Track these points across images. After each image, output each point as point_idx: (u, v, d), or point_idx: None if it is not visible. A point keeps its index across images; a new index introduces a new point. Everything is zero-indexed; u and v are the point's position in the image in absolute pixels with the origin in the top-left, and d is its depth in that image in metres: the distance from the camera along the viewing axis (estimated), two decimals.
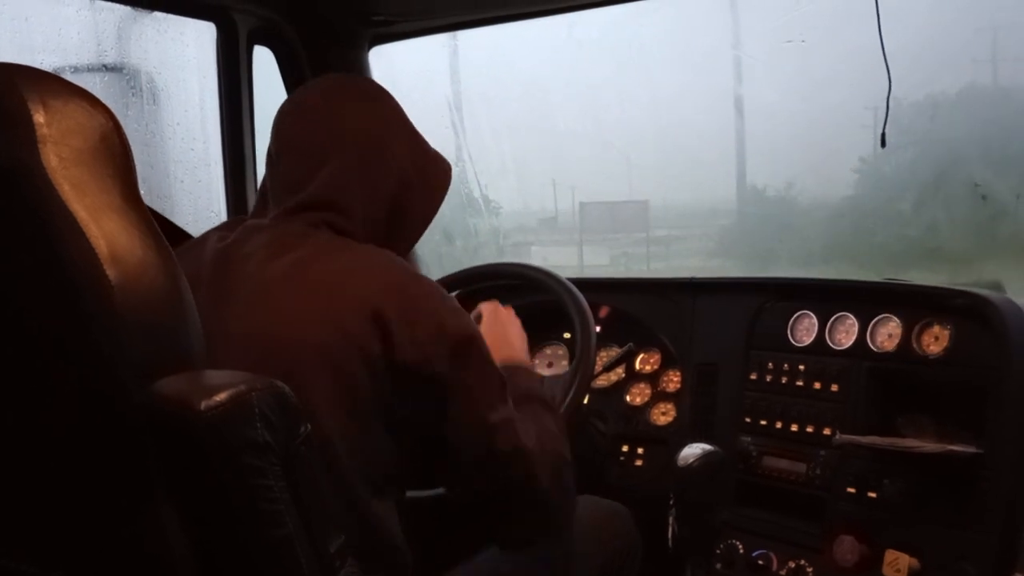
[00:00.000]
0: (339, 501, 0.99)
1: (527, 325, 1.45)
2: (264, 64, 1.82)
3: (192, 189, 1.82)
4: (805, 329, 1.67)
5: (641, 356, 1.92)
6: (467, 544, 1.32)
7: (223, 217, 1.76)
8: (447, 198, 1.22)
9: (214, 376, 0.77)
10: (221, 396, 0.73)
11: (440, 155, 1.21)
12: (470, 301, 1.49)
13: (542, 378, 1.41)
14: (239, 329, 1.01)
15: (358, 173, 1.10)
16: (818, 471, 1.56)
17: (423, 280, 1.08)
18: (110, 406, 0.73)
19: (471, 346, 1.06)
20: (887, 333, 1.56)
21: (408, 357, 1.01)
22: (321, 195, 1.09)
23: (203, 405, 0.71)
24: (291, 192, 1.11)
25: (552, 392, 1.56)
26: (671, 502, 1.55)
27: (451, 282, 1.72)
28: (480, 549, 1.32)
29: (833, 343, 1.62)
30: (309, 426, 0.82)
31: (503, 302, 1.72)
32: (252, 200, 1.77)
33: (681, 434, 1.73)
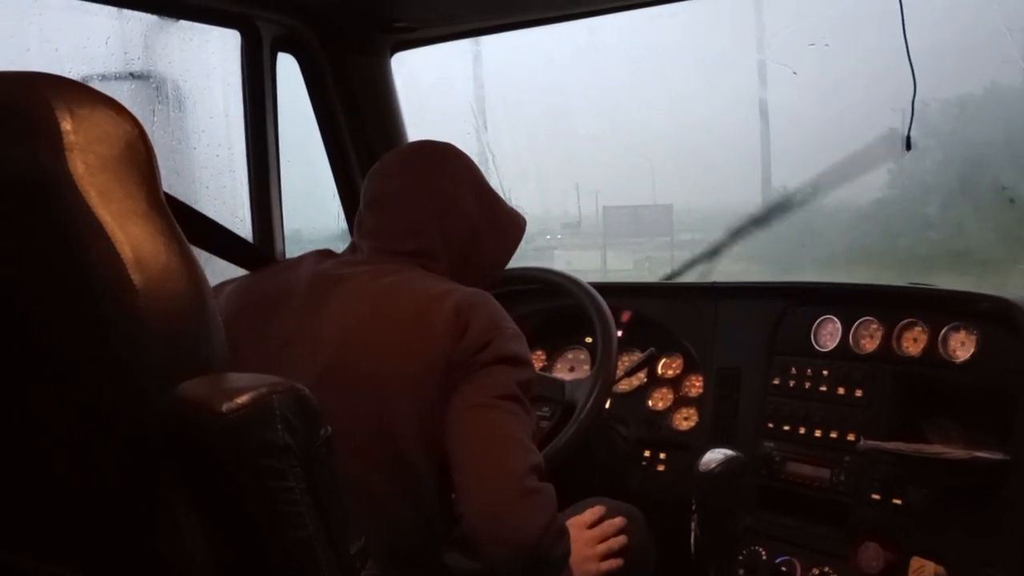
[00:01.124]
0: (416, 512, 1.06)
1: (549, 329, 1.46)
2: (288, 71, 1.85)
3: (217, 195, 1.84)
4: (829, 334, 1.66)
5: (663, 361, 1.92)
6: None
7: (247, 223, 1.78)
8: None
9: (235, 379, 0.77)
10: (242, 399, 0.73)
11: (516, 212, 1.35)
12: None
13: None
14: (329, 332, 1.10)
15: (435, 223, 1.23)
16: (842, 477, 1.55)
17: (499, 307, 1.15)
18: (131, 410, 0.74)
19: (517, 366, 1.09)
20: (912, 338, 1.54)
21: (460, 352, 1.07)
22: (410, 244, 1.22)
23: (224, 407, 0.72)
24: (376, 239, 1.24)
25: (574, 396, 1.56)
26: (693, 507, 1.55)
27: None
28: None
29: (857, 348, 1.60)
30: (329, 429, 0.83)
31: (526, 306, 1.73)
32: (276, 206, 1.79)
33: (703, 439, 1.72)
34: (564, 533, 1.05)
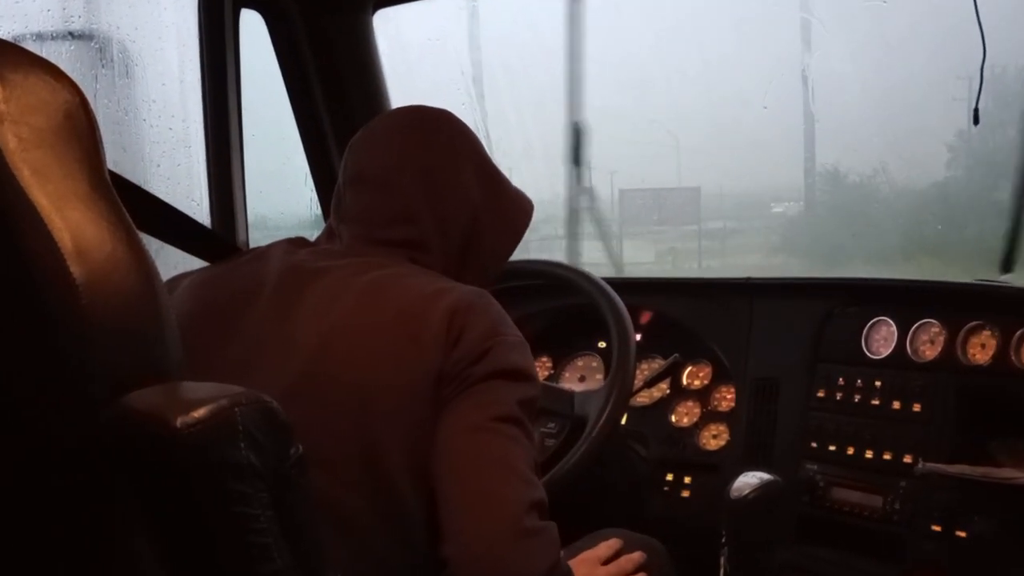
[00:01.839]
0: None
1: (556, 331, 1.46)
2: (253, 30, 1.84)
3: (170, 174, 1.84)
4: (882, 338, 1.66)
5: (689, 369, 1.92)
6: None
7: (205, 207, 1.78)
8: None
9: (192, 389, 0.78)
10: (200, 412, 0.73)
11: (521, 193, 1.31)
12: None
13: None
14: (304, 335, 1.08)
15: (427, 205, 1.20)
16: (897, 505, 1.55)
17: (500, 311, 1.14)
18: (75, 422, 0.75)
19: (519, 382, 1.09)
20: (980, 344, 1.54)
21: (453, 363, 1.06)
22: (397, 232, 1.19)
23: (179, 422, 0.72)
24: (362, 224, 1.21)
25: (585, 410, 1.56)
26: (723, 540, 1.55)
27: None
28: None
29: (915, 355, 1.61)
30: (300, 447, 0.83)
31: (530, 305, 1.72)
32: (238, 187, 1.79)
33: (735, 460, 1.73)
34: None
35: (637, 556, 1.43)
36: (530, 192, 1.35)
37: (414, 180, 1.21)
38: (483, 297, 1.13)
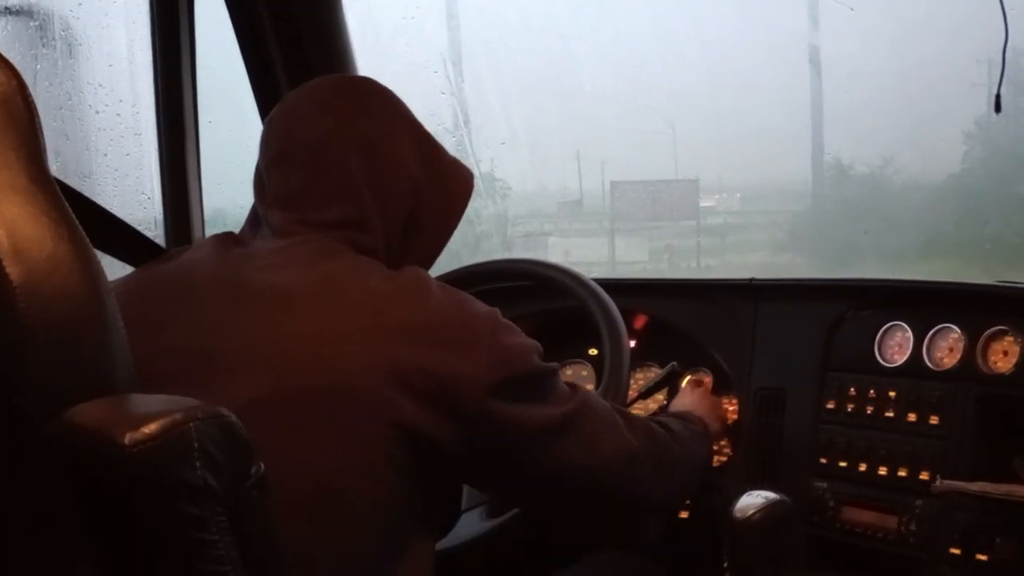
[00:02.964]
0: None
1: (542, 337, 1.45)
2: (209, 4, 1.83)
3: (119, 165, 1.83)
4: (897, 345, 1.66)
5: (688, 379, 1.92)
6: None
7: (156, 200, 1.77)
8: None
9: (141, 402, 0.77)
10: (151, 427, 0.73)
11: (459, 162, 1.31)
12: None
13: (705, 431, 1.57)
14: (256, 345, 1.07)
15: (365, 183, 1.19)
16: (913, 526, 1.55)
17: (472, 304, 1.16)
18: (12, 438, 0.74)
19: (538, 382, 1.17)
20: (1002, 350, 1.55)
21: (459, 396, 1.08)
22: (333, 212, 1.18)
23: (128, 438, 0.71)
24: (290, 209, 1.20)
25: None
26: (725, 565, 1.55)
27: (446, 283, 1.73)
28: None
29: (933, 363, 1.61)
30: (262, 466, 0.82)
31: (514, 308, 1.71)
32: (194, 178, 1.78)
33: (738, 478, 1.73)
34: (666, 453, 1.35)
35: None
36: (511, 183, 1.35)
37: (349, 154, 1.19)
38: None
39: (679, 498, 1.42)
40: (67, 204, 0.78)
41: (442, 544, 1.30)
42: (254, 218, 1.26)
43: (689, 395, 1.72)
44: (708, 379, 1.89)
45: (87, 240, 0.78)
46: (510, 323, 1.17)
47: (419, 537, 1.16)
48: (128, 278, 1.24)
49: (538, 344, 1.19)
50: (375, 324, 1.08)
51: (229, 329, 1.10)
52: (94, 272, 0.78)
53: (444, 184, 1.27)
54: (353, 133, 1.20)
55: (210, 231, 1.84)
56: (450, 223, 1.30)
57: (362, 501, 1.06)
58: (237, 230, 1.40)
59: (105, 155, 1.81)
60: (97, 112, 1.81)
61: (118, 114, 1.83)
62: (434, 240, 1.29)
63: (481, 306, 1.16)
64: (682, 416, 1.53)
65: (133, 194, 1.81)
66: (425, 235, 1.26)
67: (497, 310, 1.17)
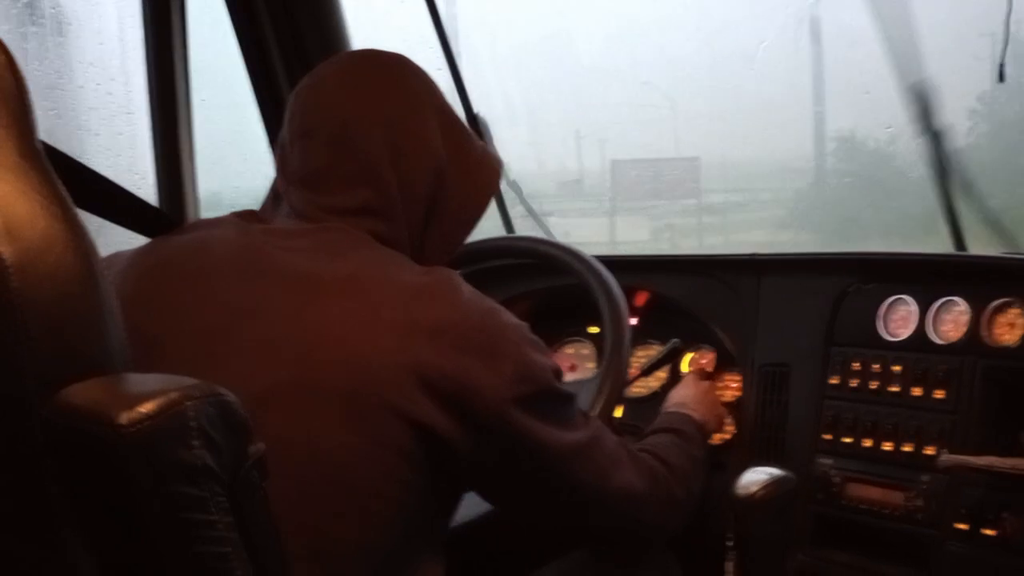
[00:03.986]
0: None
1: (543, 315, 1.46)
2: None
3: (111, 144, 1.83)
4: (902, 318, 1.66)
5: (690, 356, 1.92)
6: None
7: (149, 180, 1.77)
8: None
9: (137, 381, 0.77)
10: (147, 407, 0.73)
11: (487, 150, 1.29)
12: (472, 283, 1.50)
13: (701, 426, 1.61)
14: (280, 331, 1.07)
15: (389, 164, 1.18)
16: (919, 502, 1.55)
17: (502, 315, 1.16)
18: (5, 420, 0.74)
19: (557, 404, 1.19)
20: (1008, 323, 1.55)
21: (478, 403, 1.09)
22: (356, 197, 1.17)
23: (124, 418, 0.71)
24: (311, 189, 1.18)
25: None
26: (729, 543, 1.55)
27: (448, 262, 1.73)
28: None
29: (938, 336, 1.61)
30: (262, 446, 0.82)
31: (513, 286, 1.72)
32: (187, 159, 1.77)
33: (742, 455, 1.73)
34: (673, 484, 1.38)
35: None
36: (511, 163, 1.34)
37: (374, 133, 1.18)
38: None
39: (682, 524, 1.43)
40: (59, 182, 0.78)
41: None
42: (274, 195, 1.24)
43: (692, 388, 1.71)
44: (711, 355, 1.89)
45: (80, 218, 0.78)
46: (537, 339, 1.17)
47: (430, 539, 1.17)
48: (141, 250, 1.22)
49: (560, 368, 1.20)
50: (404, 321, 1.07)
51: (251, 310, 1.09)
52: (87, 250, 0.77)
53: (469, 171, 1.26)
54: (379, 112, 1.18)
55: (205, 213, 1.84)
56: (473, 213, 1.28)
57: (375, 497, 1.06)
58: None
59: (97, 135, 1.81)
60: (88, 91, 1.80)
61: (109, 93, 1.82)
62: (455, 230, 1.27)
63: (511, 317, 1.16)
64: (677, 429, 1.54)
65: (126, 174, 1.81)
66: (446, 224, 1.25)
67: (526, 324, 1.17)
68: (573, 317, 1.98)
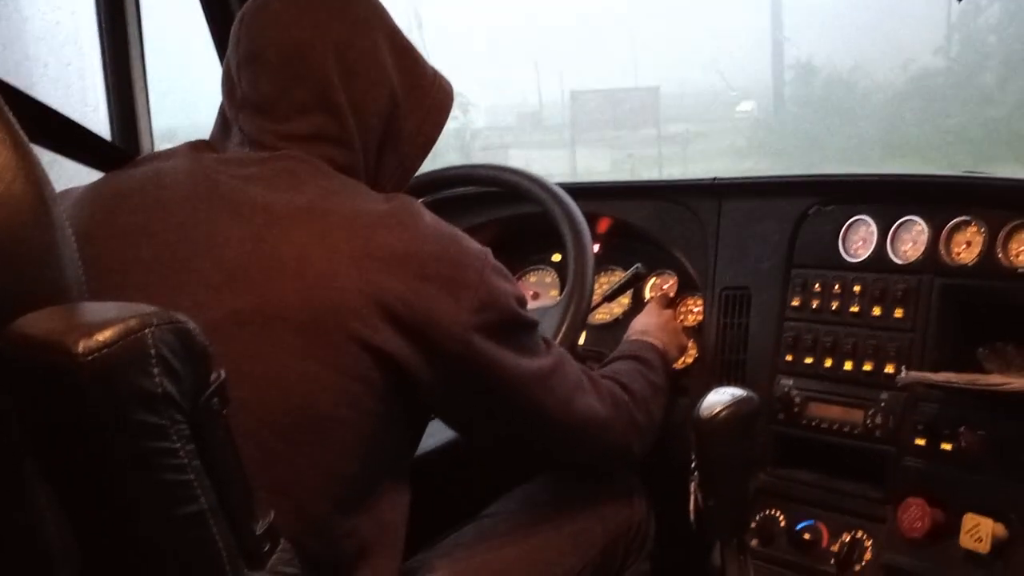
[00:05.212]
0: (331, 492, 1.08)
1: (505, 244, 1.46)
2: None
3: (59, 75, 1.79)
4: (861, 239, 1.66)
5: (652, 281, 1.92)
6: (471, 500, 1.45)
7: (101, 112, 1.73)
8: None
9: (93, 310, 0.75)
10: (105, 334, 0.71)
11: (439, 73, 1.27)
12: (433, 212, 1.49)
13: (663, 354, 1.63)
14: (239, 260, 1.06)
15: (341, 88, 1.15)
16: (879, 419, 1.57)
17: (464, 241, 1.15)
18: None
19: (520, 330, 1.19)
20: (965, 241, 1.56)
21: (439, 331, 1.09)
22: (311, 123, 1.15)
23: (81, 346, 0.70)
24: (263, 115, 1.16)
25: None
26: (692, 466, 1.56)
27: (409, 190, 1.71)
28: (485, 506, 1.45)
29: (897, 256, 1.62)
30: (223, 373, 0.81)
31: (476, 215, 1.70)
32: (140, 92, 1.74)
33: (704, 378, 1.74)
34: (636, 407, 1.41)
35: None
36: (470, 97, 1.32)
37: (327, 58, 1.15)
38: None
39: (645, 449, 1.46)
40: (8, 110, 0.75)
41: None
42: (223, 121, 1.21)
43: (654, 316, 1.73)
44: (673, 280, 1.89)
45: (30, 147, 0.76)
46: (500, 265, 1.17)
47: (394, 468, 1.17)
48: (94, 185, 1.20)
49: (524, 295, 1.20)
50: (364, 249, 1.06)
51: (208, 241, 1.07)
52: (39, 179, 0.76)
53: (423, 95, 1.23)
54: (329, 36, 1.16)
55: (160, 147, 1.80)
56: (429, 137, 1.26)
57: (339, 424, 1.06)
58: None
59: (46, 65, 1.77)
60: (34, 20, 1.76)
61: (57, 22, 1.78)
62: (411, 154, 1.25)
63: (473, 244, 1.15)
64: (639, 356, 1.56)
65: (78, 106, 1.77)
66: (402, 149, 1.23)
67: (489, 250, 1.16)
68: (536, 245, 1.98)
